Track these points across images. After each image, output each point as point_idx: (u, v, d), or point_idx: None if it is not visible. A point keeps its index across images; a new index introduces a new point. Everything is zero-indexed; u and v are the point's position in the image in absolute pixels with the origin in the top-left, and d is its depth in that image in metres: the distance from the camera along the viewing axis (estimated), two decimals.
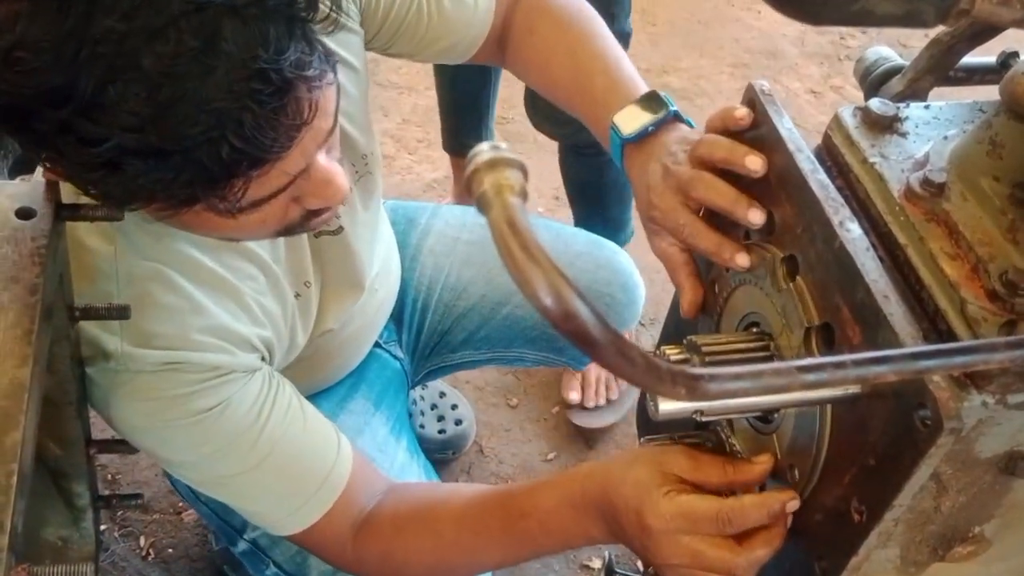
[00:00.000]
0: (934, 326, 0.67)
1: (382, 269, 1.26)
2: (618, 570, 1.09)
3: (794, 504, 0.78)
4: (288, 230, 0.88)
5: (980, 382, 0.64)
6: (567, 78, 1.07)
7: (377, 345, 1.38)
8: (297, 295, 1.06)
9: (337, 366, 1.30)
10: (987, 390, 0.64)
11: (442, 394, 1.83)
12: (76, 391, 0.85)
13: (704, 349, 0.79)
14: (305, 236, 1.05)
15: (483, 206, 0.43)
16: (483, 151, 0.44)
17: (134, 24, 0.67)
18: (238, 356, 0.95)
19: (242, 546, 1.22)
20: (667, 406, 0.67)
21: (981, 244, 0.68)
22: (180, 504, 1.71)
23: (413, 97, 2.64)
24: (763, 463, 0.80)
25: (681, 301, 0.88)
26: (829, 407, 0.72)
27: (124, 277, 0.89)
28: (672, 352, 0.80)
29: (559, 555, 1.68)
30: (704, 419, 0.77)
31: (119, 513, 1.68)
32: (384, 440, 1.27)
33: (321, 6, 0.77)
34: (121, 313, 0.83)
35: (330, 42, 0.82)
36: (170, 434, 0.94)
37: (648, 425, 1.03)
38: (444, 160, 2.32)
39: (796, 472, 0.77)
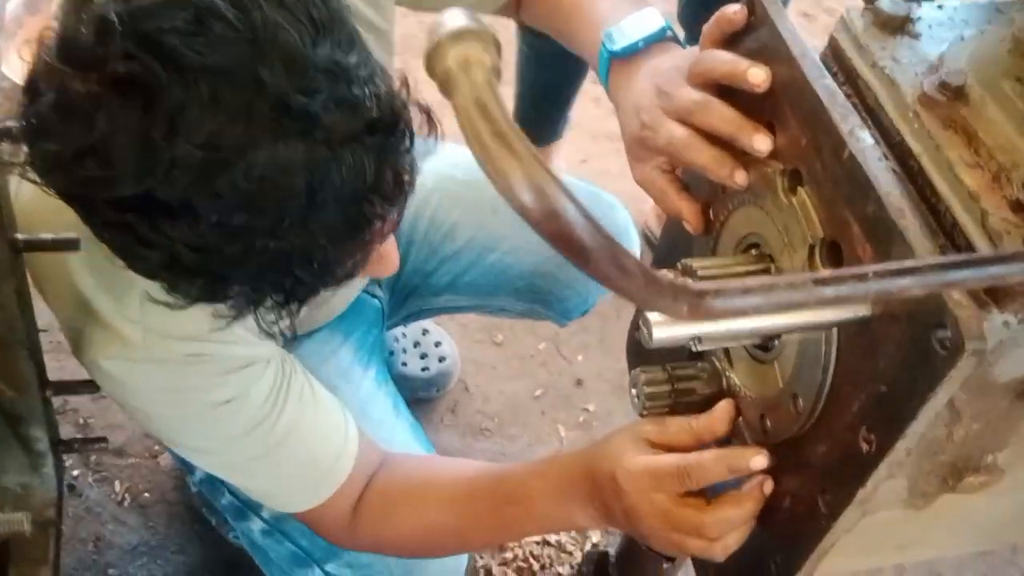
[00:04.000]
0: (952, 241, 0.62)
1: None
2: None
3: (760, 460, 0.76)
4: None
5: (1002, 301, 0.59)
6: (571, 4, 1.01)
7: None
8: None
9: (321, 317, 1.24)
10: (1009, 309, 0.59)
11: (425, 331, 1.78)
12: (24, 329, 0.79)
13: (700, 272, 0.73)
14: None
15: (447, 86, 0.37)
16: (447, 21, 0.37)
17: (219, 146, 0.63)
18: (257, 346, 0.92)
19: (199, 474, 1.21)
20: (661, 333, 0.61)
21: (1003, 151, 0.62)
22: (156, 447, 1.66)
23: None
24: (721, 410, 0.79)
25: (686, 221, 0.82)
26: (836, 331, 0.67)
27: None
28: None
29: None
30: (701, 348, 0.71)
31: (92, 458, 1.63)
32: (349, 368, 1.23)
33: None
34: (69, 245, 0.77)
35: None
36: (190, 423, 0.93)
37: (639, 356, 0.98)
38: None
39: (799, 402, 0.72)
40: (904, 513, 0.77)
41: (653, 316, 0.62)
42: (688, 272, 0.74)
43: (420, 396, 1.72)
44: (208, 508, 1.53)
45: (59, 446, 0.94)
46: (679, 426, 0.82)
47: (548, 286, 1.39)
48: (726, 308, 0.38)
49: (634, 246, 1.43)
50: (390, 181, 0.70)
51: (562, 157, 2.13)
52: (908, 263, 0.42)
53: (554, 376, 1.83)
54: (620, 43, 0.88)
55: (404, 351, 1.75)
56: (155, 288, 0.74)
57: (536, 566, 1.56)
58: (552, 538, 1.59)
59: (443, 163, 1.39)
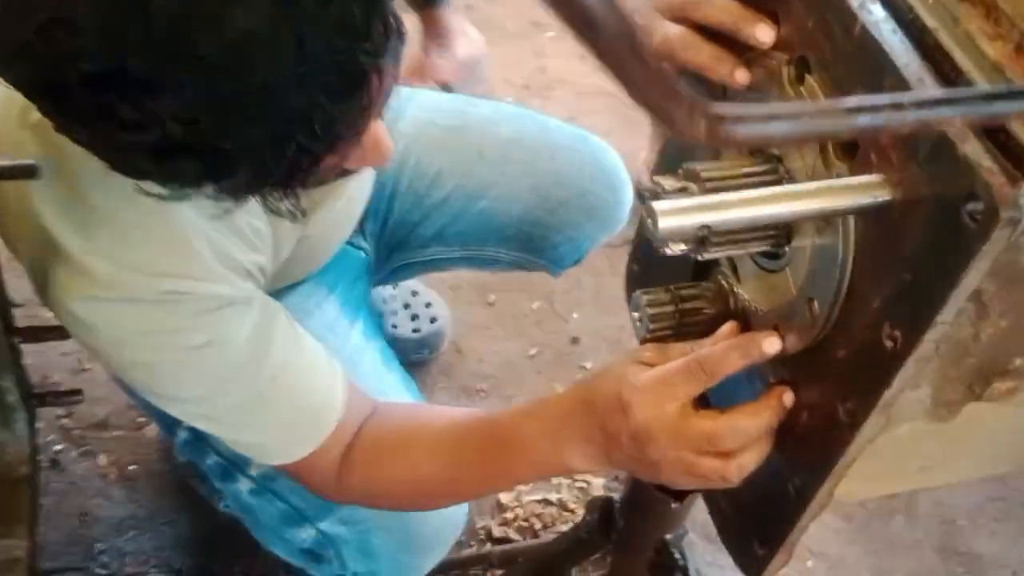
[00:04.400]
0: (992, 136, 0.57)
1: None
2: None
3: (773, 343, 0.70)
4: (319, 183, 0.81)
5: None
6: None
7: None
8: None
9: (304, 269, 1.19)
10: None
11: (414, 292, 1.73)
12: None
13: (704, 175, 0.68)
14: None
15: None
16: None
17: (192, 5, 0.58)
18: (236, 286, 0.87)
19: (182, 436, 1.15)
20: (668, 222, 0.56)
21: None
22: (140, 419, 1.61)
23: None
24: (725, 328, 0.75)
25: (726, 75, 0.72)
26: (852, 224, 0.62)
27: (117, 192, 0.78)
28: (667, 182, 0.69)
29: None
30: (706, 254, 0.66)
31: (76, 432, 1.58)
32: (335, 321, 1.18)
33: None
34: (28, 172, 0.72)
35: None
36: (167, 369, 0.87)
37: (641, 277, 0.94)
38: None
39: (815, 307, 0.67)
40: (927, 426, 0.73)
41: (660, 205, 0.57)
42: (692, 177, 0.69)
43: (412, 358, 1.67)
44: (197, 477, 1.48)
45: (32, 400, 0.89)
46: (680, 350, 0.76)
47: (539, 232, 1.35)
48: (749, 134, 0.33)
49: (626, 188, 1.39)
50: (380, 29, 0.66)
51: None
52: (950, 92, 0.37)
53: (549, 335, 1.78)
54: None
55: (394, 313, 1.70)
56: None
57: (538, 525, 1.52)
58: (553, 496, 1.55)
59: (423, 109, 1.35)
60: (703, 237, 0.66)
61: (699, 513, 0.98)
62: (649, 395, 0.74)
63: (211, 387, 0.88)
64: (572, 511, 1.53)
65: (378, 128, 0.75)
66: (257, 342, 0.88)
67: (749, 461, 0.73)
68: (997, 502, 1.61)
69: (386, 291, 1.71)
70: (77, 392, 0.95)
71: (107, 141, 0.65)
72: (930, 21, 0.60)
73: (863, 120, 0.36)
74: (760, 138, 0.33)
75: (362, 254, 1.31)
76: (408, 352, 1.66)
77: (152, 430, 1.60)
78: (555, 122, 1.42)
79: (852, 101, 0.36)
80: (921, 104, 0.37)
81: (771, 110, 0.34)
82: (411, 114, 1.34)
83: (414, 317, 1.70)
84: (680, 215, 0.57)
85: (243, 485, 1.14)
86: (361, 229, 1.32)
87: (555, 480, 1.58)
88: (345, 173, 0.80)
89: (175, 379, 0.88)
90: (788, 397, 0.72)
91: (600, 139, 1.42)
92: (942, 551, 1.56)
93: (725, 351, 0.72)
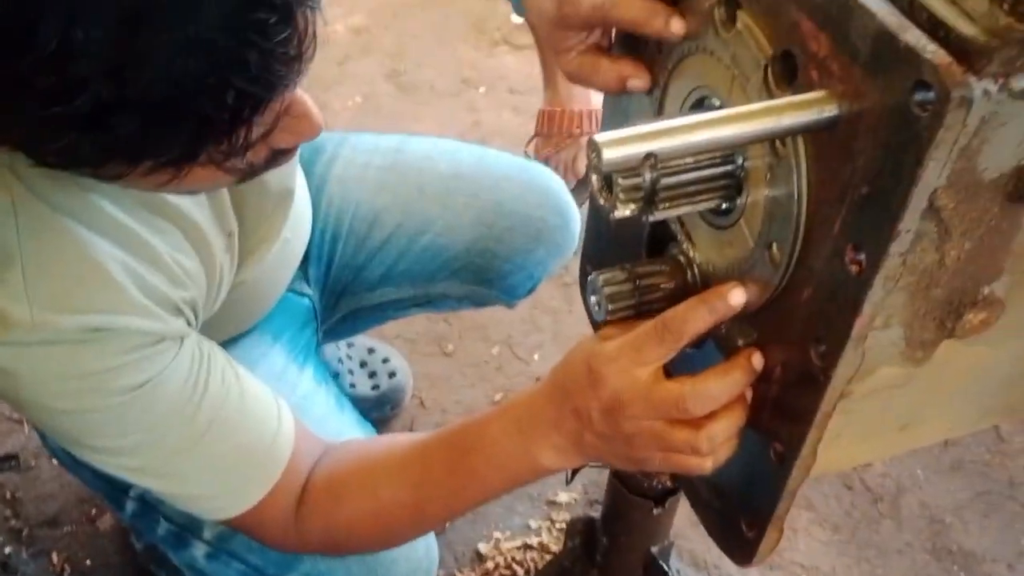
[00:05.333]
0: (914, 18, 0.55)
1: (293, 214, 1.12)
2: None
3: (738, 294, 0.68)
4: (252, 173, 0.76)
5: (978, 63, 0.52)
6: None
7: None
8: (226, 249, 0.93)
9: (244, 318, 1.15)
10: (987, 73, 0.52)
11: (371, 350, 1.69)
12: None
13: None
14: None
15: None
16: None
17: None
18: (166, 321, 0.81)
19: (130, 507, 1.08)
20: (612, 152, 0.54)
21: None
22: (93, 511, 1.53)
23: None
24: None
25: (635, 79, 0.74)
26: (803, 150, 0.60)
27: (27, 228, 0.74)
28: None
29: (524, 495, 1.55)
30: (657, 213, 0.64)
31: (25, 532, 1.50)
32: (283, 370, 1.14)
33: None
34: None
35: None
36: (97, 416, 0.80)
37: (597, 257, 0.91)
38: None
39: (774, 250, 0.65)
40: (904, 371, 0.70)
41: (602, 136, 0.55)
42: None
43: (374, 417, 1.62)
44: (157, 563, 1.41)
45: None
46: (643, 325, 0.74)
47: (487, 263, 1.32)
48: None
49: (572, 211, 1.37)
50: None
51: None
52: None
53: (512, 379, 1.74)
54: None
55: (351, 372, 1.66)
56: None
57: (520, 572, 1.46)
58: (533, 539, 1.49)
59: (358, 151, 1.33)
60: (652, 195, 0.64)
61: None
62: (618, 362, 0.71)
63: (146, 434, 0.82)
64: (553, 553, 1.47)
65: (305, 98, 0.72)
66: (194, 382, 0.83)
67: (720, 431, 0.70)
68: (982, 496, 1.58)
69: (341, 350, 1.67)
70: (13, 457, 0.89)
71: (35, 126, 0.61)
72: None
73: None
74: None
75: (306, 301, 1.28)
76: (369, 411, 1.61)
77: (106, 522, 1.52)
78: (493, 152, 1.40)
79: None
80: None
81: None
82: (346, 156, 1.33)
83: (372, 374, 1.66)
84: (624, 144, 0.55)
85: (198, 551, 1.07)
86: (304, 276, 1.29)
87: (533, 523, 1.53)
88: (280, 156, 0.76)
89: (107, 427, 0.81)
90: (757, 358, 0.70)
91: (541, 165, 1.41)
92: (934, 552, 1.52)
93: (690, 307, 0.69)
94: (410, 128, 2.26)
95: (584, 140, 1.98)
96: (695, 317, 0.68)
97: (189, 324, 0.87)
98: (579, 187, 1.96)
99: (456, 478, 0.84)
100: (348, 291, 1.33)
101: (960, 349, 0.71)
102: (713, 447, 0.71)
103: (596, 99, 1.99)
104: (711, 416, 0.70)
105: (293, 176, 1.05)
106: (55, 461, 1.46)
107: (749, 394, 0.72)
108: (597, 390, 0.72)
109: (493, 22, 2.50)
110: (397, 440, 0.93)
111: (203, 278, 0.89)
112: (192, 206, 0.86)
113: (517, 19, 2.38)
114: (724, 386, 0.69)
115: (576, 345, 0.76)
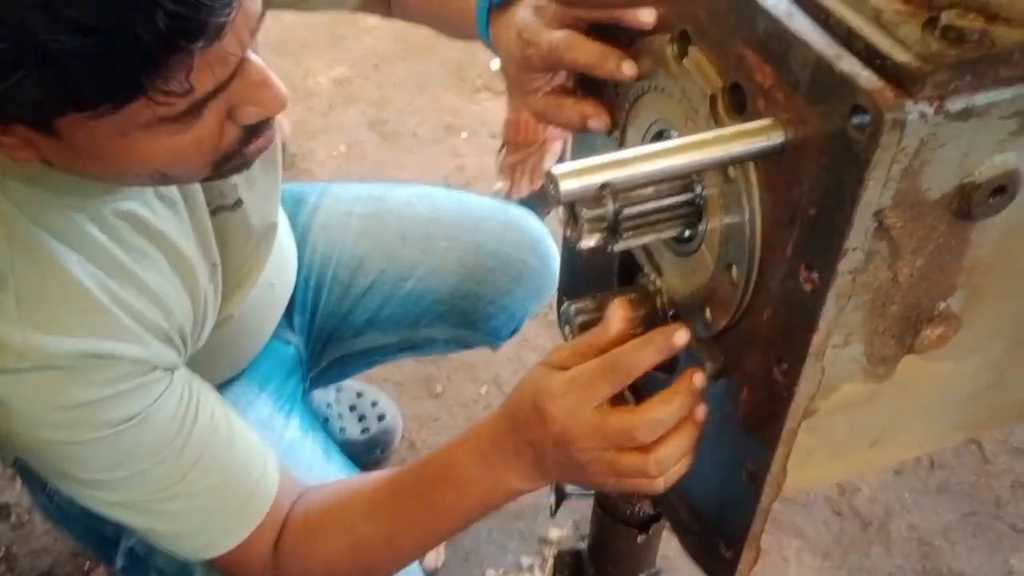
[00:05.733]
0: (851, 49, 0.59)
1: (277, 259, 1.15)
2: (567, 489, 0.98)
3: (682, 335, 0.71)
4: (226, 158, 0.77)
5: (912, 87, 0.55)
6: None
7: None
8: (210, 281, 0.95)
9: (231, 360, 1.17)
10: (922, 96, 0.55)
11: (359, 394, 1.70)
12: None
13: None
14: (206, 212, 0.94)
15: None
16: None
17: None
18: (156, 349, 0.83)
19: (120, 562, 1.09)
20: (569, 184, 0.57)
21: None
22: (87, 565, 1.53)
23: None
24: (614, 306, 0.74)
25: (595, 120, 0.78)
26: (754, 177, 0.63)
27: (17, 248, 0.75)
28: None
29: (515, 532, 1.56)
30: (621, 243, 0.67)
31: None
32: (270, 418, 1.16)
33: None
34: None
35: None
36: (87, 449, 0.81)
37: (571, 288, 0.93)
38: None
39: (734, 272, 0.67)
40: (868, 388, 0.72)
41: (560, 168, 0.57)
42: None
43: (365, 461, 1.64)
44: None
45: None
46: (589, 343, 0.75)
47: (470, 305, 1.34)
48: None
49: (552, 252, 1.39)
50: None
51: None
52: None
53: None
54: None
55: (340, 417, 1.67)
56: None
57: None
58: None
59: (340, 200, 1.36)
60: (616, 224, 0.66)
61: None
62: (565, 400, 0.73)
63: (135, 467, 0.84)
64: None
65: (263, 66, 0.73)
66: (183, 416, 0.85)
67: (668, 454, 0.72)
68: (969, 517, 1.59)
69: (330, 395, 1.68)
70: (4, 508, 0.90)
71: None
72: None
73: None
74: None
75: (292, 349, 1.29)
76: (360, 455, 1.62)
77: (99, 575, 1.53)
78: (472, 196, 1.44)
79: None
80: None
81: None
82: (329, 205, 1.35)
83: (361, 418, 1.67)
84: (581, 176, 0.57)
85: None
86: (289, 324, 1.31)
87: (526, 560, 1.53)
88: (253, 138, 0.77)
89: (96, 459, 0.82)
90: (698, 378, 0.72)
91: (520, 208, 1.43)
92: (924, 574, 1.53)
93: (638, 347, 0.71)
94: (395, 175, 2.29)
95: (550, 143, 2.04)
96: (643, 356, 0.71)
97: (179, 354, 0.88)
98: (542, 196, 2.01)
99: (427, 509, 0.86)
100: (334, 338, 1.35)
101: (922, 365, 0.73)
102: (662, 469, 0.73)
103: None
104: (660, 440, 0.72)
105: (275, 213, 1.08)
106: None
107: (701, 413, 0.74)
108: (547, 426, 0.74)
109: (473, 69, 2.55)
110: (370, 476, 0.95)
111: (188, 305, 0.91)
112: (177, 233, 0.88)
113: (496, 65, 2.44)
114: (670, 411, 0.71)
115: (525, 377, 0.78)
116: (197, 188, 0.92)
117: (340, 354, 1.39)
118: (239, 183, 0.97)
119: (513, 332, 1.42)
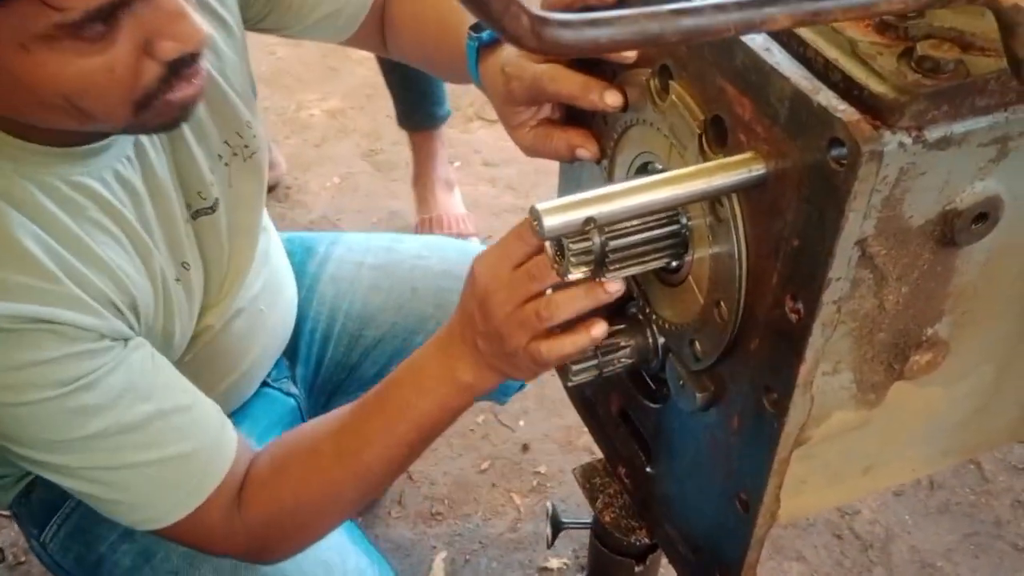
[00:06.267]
0: (827, 82, 0.59)
1: (269, 286, 1.14)
2: (564, 519, 0.98)
3: (600, 329, 0.74)
4: (147, 97, 0.76)
5: (890, 118, 0.56)
6: (436, 22, 1.00)
7: (265, 384, 1.25)
8: (177, 279, 0.95)
9: (220, 401, 1.16)
10: (900, 126, 0.56)
11: None
12: None
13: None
14: (179, 213, 0.94)
15: None
16: None
17: None
18: (105, 318, 0.82)
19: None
20: (553, 220, 0.57)
21: None
22: None
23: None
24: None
25: (583, 149, 0.79)
26: (740, 214, 0.63)
27: None
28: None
29: (515, 562, 1.55)
30: (609, 274, 0.67)
31: None
32: None
33: None
34: None
35: None
36: (37, 410, 0.81)
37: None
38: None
39: (722, 307, 0.67)
40: (859, 415, 0.72)
41: (542, 205, 0.58)
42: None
43: None
44: None
45: None
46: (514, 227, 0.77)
47: None
48: (574, 38, 0.34)
49: None
50: None
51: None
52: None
53: (498, 446, 1.75)
54: (487, 29, 0.86)
55: None
56: None
57: None
58: None
59: (351, 251, 1.35)
60: (602, 257, 0.67)
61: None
62: (488, 257, 0.76)
63: (80, 432, 0.82)
64: None
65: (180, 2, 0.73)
66: (136, 384, 0.84)
67: (561, 300, 0.73)
68: (970, 537, 1.59)
69: None
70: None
71: None
72: None
73: (687, 22, 0.37)
74: (586, 43, 0.34)
75: (292, 401, 1.29)
76: None
77: None
78: (477, 247, 1.44)
79: (675, 6, 0.37)
80: (743, 6, 0.38)
81: (596, 16, 0.35)
82: (338, 256, 1.35)
83: None
84: (563, 212, 0.58)
85: None
86: (291, 375, 1.30)
87: None
88: (174, 79, 0.76)
89: (47, 422, 0.81)
90: (599, 327, 0.75)
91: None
92: None
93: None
94: (388, 205, 2.30)
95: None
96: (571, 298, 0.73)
97: (130, 327, 0.87)
98: None
99: (388, 413, 0.87)
100: (341, 390, 1.34)
101: (912, 391, 0.73)
102: (552, 314, 0.73)
103: (460, 204, 2.18)
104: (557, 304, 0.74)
105: (257, 223, 1.08)
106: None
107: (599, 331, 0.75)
108: (473, 287, 0.77)
109: (466, 98, 2.56)
110: (333, 413, 0.95)
111: (148, 286, 0.90)
112: (137, 219, 0.88)
113: None
114: (573, 293, 0.73)
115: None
116: (169, 186, 0.92)
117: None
118: (213, 182, 0.98)
119: (521, 386, 1.41)
